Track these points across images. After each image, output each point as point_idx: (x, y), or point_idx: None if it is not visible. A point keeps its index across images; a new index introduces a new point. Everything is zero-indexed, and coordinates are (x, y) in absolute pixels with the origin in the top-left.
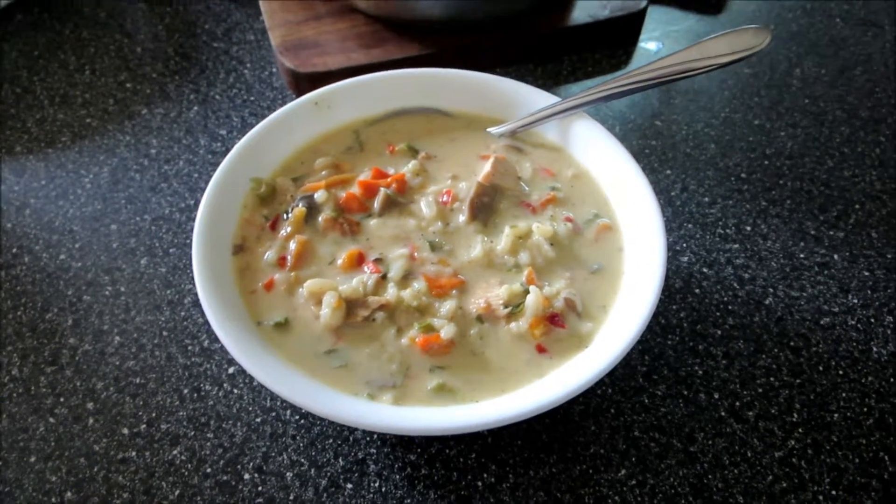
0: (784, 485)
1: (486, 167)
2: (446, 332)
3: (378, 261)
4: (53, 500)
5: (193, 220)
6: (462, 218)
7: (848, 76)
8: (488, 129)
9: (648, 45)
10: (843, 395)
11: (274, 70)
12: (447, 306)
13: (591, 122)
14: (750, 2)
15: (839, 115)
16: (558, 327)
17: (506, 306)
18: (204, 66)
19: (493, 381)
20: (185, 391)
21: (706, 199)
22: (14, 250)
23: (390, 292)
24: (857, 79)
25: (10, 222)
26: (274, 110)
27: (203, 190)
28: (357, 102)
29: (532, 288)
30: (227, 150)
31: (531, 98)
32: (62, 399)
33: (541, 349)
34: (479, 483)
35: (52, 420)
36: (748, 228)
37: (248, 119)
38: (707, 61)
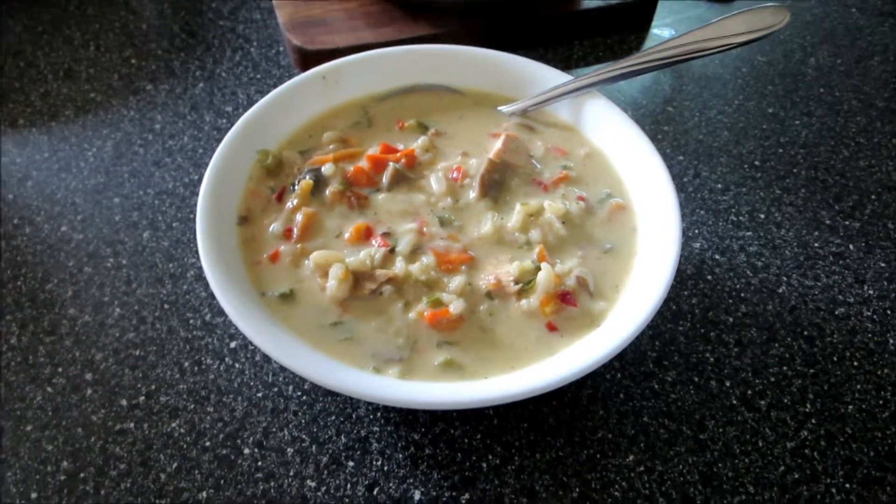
0: (796, 476)
1: (497, 144)
2: (455, 307)
3: (386, 235)
4: (49, 468)
5: (197, 194)
6: (472, 194)
7: (864, 66)
8: (499, 108)
9: (661, 31)
10: (858, 386)
11: (281, 49)
12: (456, 282)
13: (605, 101)
14: None
15: (855, 105)
16: (570, 306)
17: (516, 283)
18: (210, 44)
19: (502, 358)
20: (186, 364)
21: (719, 185)
22: (15, 221)
23: (398, 266)
24: (874, 69)
25: (11, 193)
26: None
27: (207, 165)
28: (366, 78)
29: (544, 265)
30: (233, 127)
31: (543, 76)
32: (60, 369)
33: (551, 327)
34: (484, 464)
35: (49, 390)
36: (762, 216)
37: (253, 96)
38: (723, 40)
